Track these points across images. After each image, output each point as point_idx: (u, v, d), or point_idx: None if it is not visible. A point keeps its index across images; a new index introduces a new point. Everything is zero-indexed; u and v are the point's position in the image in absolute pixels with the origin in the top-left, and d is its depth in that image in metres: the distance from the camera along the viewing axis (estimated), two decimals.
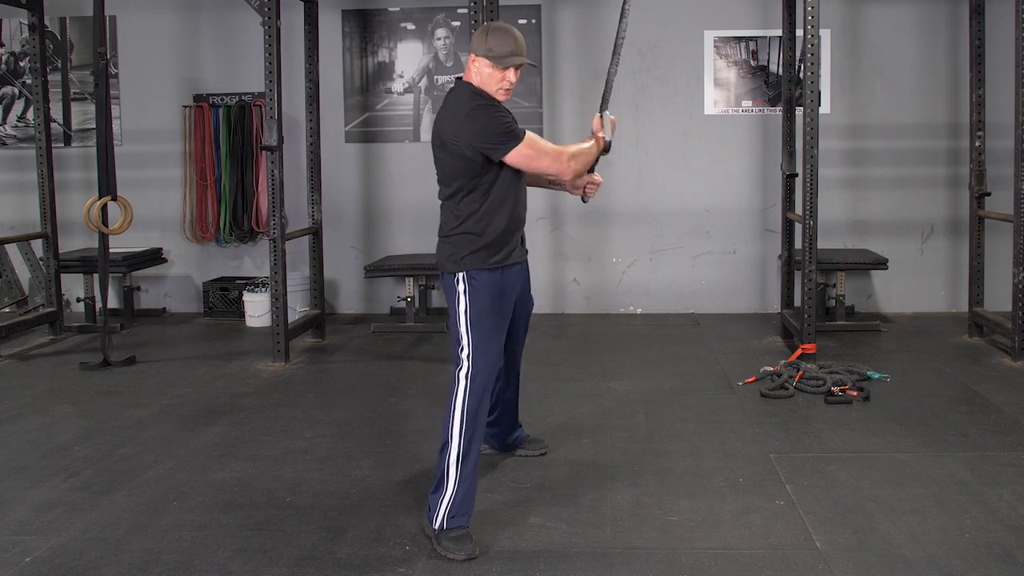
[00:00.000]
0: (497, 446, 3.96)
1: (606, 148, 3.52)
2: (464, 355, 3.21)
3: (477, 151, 3.19)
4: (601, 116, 3.54)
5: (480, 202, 3.25)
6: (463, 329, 3.23)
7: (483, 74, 3.26)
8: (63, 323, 6.69)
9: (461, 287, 3.26)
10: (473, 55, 3.27)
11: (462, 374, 3.19)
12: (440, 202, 3.37)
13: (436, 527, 3.12)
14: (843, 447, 4.07)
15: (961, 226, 6.86)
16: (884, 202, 7.10)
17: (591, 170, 3.57)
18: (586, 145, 3.45)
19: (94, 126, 6.15)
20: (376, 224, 7.44)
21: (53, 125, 6.89)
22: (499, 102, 3.29)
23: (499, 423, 3.88)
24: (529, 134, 3.25)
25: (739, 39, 7.11)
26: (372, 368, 5.71)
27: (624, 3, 3.66)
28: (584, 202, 3.78)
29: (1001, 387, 4.97)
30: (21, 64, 7.56)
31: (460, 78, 3.36)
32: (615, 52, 3.62)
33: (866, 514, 3.34)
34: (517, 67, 3.28)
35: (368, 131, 7.40)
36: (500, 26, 3.29)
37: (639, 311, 7.30)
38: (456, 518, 3.11)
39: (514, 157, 3.20)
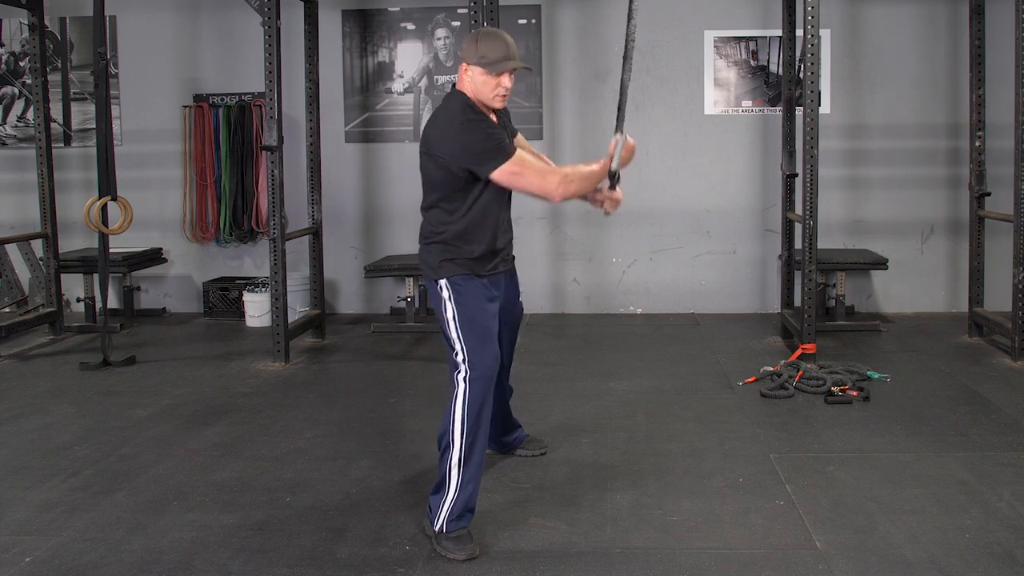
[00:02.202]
0: (495, 446, 3.96)
1: (612, 177, 3.28)
2: (460, 359, 3.19)
3: (462, 167, 3.15)
4: (616, 138, 3.34)
5: (459, 221, 3.23)
6: (454, 334, 3.21)
7: (477, 82, 3.20)
8: (63, 323, 6.69)
9: (446, 293, 3.25)
10: (465, 64, 3.22)
11: (460, 377, 3.17)
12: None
13: (436, 529, 3.12)
14: (843, 447, 4.07)
15: (961, 226, 6.86)
16: (884, 202, 7.10)
17: (612, 185, 3.30)
18: (587, 169, 3.25)
19: (94, 126, 6.15)
20: (376, 224, 7.44)
21: (53, 125, 6.89)
22: (488, 118, 3.23)
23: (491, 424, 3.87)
24: (518, 156, 3.16)
25: (739, 39, 7.11)
26: (372, 368, 5.71)
27: (631, 4, 3.58)
28: (606, 215, 3.57)
29: (1001, 387, 4.97)
30: (21, 64, 7.56)
31: (455, 85, 3.32)
32: (626, 57, 3.43)
33: (866, 514, 3.34)
34: (511, 72, 3.22)
35: (368, 131, 7.40)
36: (489, 31, 3.26)
37: (639, 311, 7.30)
38: (456, 521, 3.11)
39: (499, 175, 3.12)
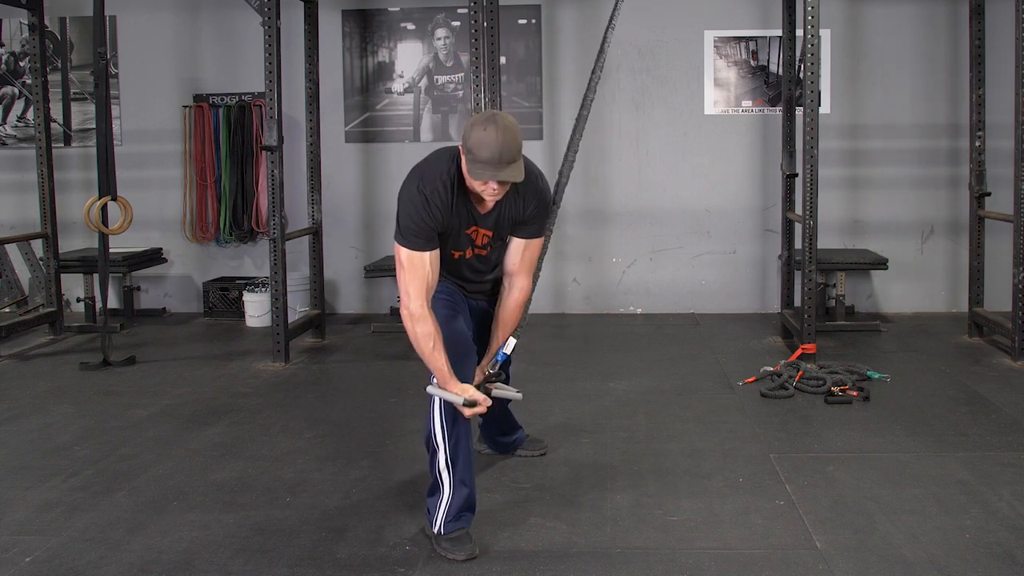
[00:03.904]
0: (496, 448, 3.96)
1: (429, 383, 3.11)
2: None
3: None
4: (497, 360, 3.22)
5: None
6: None
7: (465, 169, 3.00)
8: (63, 323, 6.69)
9: None
10: (460, 144, 3.01)
11: (435, 380, 3.13)
12: None
13: (435, 531, 3.12)
14: (843, 447, 4.07)
15: (961, 226, 6.86)
16: (884, 202, 7.10)
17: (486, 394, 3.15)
18: (439, 361, 3.04)
19: (94, 126, 6.15)
20: (376, 224, 7.43)
21: (53, 125, 6.89)
22: (441, 203, 3.02)
23: (487, 428, 3.86)
24: (416, 256, 3.00)
25: (739, 39, 7.11)
26: (372, 368, 5.71)
27: (603, 42, 3.43)
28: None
29: (1001, 387, 4.97)
30: (21, 64, 7.56)
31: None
32: (585, 103, 3.40)
33: (866, 514, 3.34)
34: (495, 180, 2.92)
35: (368, 131, 7.40)
36: (488, 122, 2.90)
37: (639, 311, 7.30)
38: (455, 522, 3.10)
39: (395, 253, 3.08)
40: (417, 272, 3.03)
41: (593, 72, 3.39)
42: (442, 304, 3.23)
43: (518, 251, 3.28)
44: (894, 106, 7.05)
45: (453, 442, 3.12)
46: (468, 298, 3.42)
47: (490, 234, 3.22)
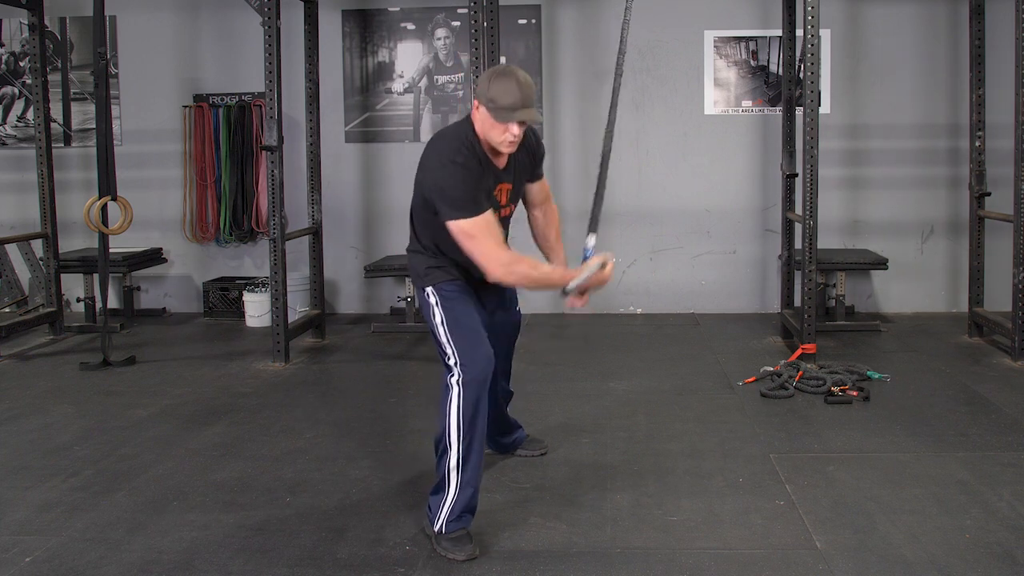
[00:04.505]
0: (495, 447, 3.96)
1: (564, 292, 3.21)
2: (452, 363, 3.17)
3: (431, 201, 3.13)
4: (593, 258, 3.27)
5: (444, 239, 3.20)
6: (444, 339, 3.20)
7: (485, 124, 3.10)
8: (63, 323, 6.69)
9: (433, 299, 3.25)
10: (476, 101, 3.11)
11: (453, 380, 3.14)
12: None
13: (436, 530, 3.12)
14: (843, 447, 4.07)
15: (961, 226, 6.86)
16: (884, 202, 7.10)
17: (565, 293, 3.23)
18: (542, 273, 3.20)
19: (94, 126, 6.15)
20: (376, 224, 7.44)
21: (53, 125, 6.89)
22: (480, 163, 3.12)
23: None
24: (481, 220, 3.06)
25: (739, 39, 7.12)
26: (372, 368, 5.71)
27: (621, 44, 3.65)
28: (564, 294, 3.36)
29: (1001, 387, 4.97)
30: (21, 64, 7.56)
31: (467, 116, 3.22)
32: (613, 101, 3.59)
33: (866, 514, 3.34)
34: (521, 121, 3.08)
35: (368, 131, 7.40)
36: (506, 72, 3.08)
37: (639, 311, 7.31)
38: (456, 522, 3.10)
39: (452, 228, 3.06)
40: (490, 232, 3.10)
41: (619, 52, 3.68)
42: (461, 301, 3.25)
43: (535, 190, 3.58)
44: (894, 106, 7.05)
45: (467, 443, 3.12)
46: (482, 302, 3.42)
47: (510, 187, 3.34)
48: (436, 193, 3.09)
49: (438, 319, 3.23)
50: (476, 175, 3.11)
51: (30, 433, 4.44)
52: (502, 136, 3.09)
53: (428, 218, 3.23)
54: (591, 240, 3.42)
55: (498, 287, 3.40)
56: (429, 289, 3.27)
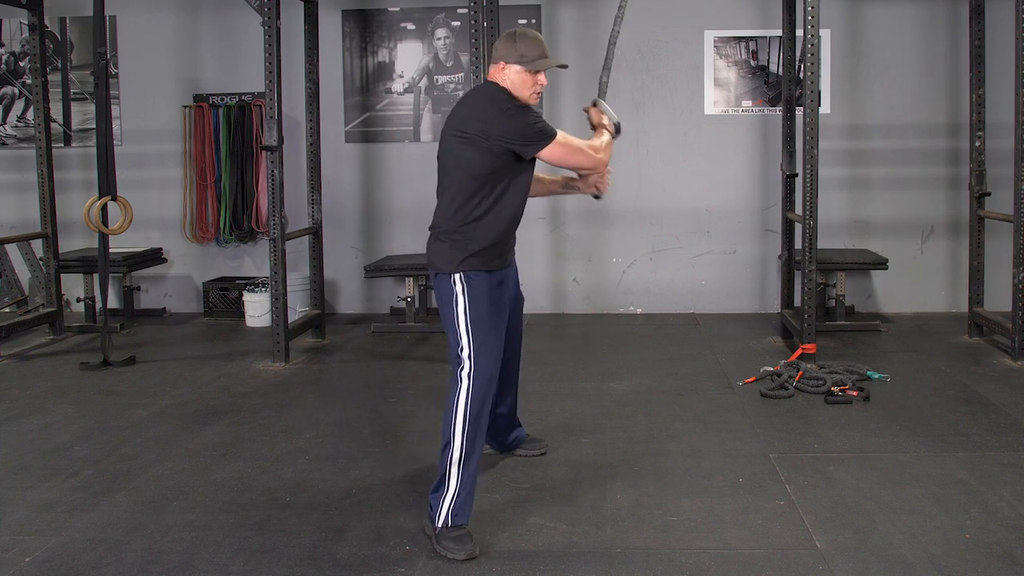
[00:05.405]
0: (496, 446, 3.96)
1: (618, 130, 3.60)
2: (465, 355, 3.18)
3: (506, 148, 3.17)
4: (595, 105, 3.66)
5: (487, 207, 3.22)
6: (463, 330, 3.19)
7: (515, 80, 3.29)
8: (63, 323, 6.69)
9: (459, 287, 3.22)
10: (503, 63, 3.29)
11: (464, 374, 3.17)
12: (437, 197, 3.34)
13: (438, 525, 3.12)
14: (843, 447, 4.07)
15: (961, 226, 6.86)
16: (884, 202, 7.10)
17: (618, 133, 3.64)
18: (600, 140, 3.51)
19: (94, 126, 6.15)
20: (376, 224, 7.44)
21: (53, 125, 6.89)
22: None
23: (494, 426, 3.86)
24: (562, 133, 3.31)
25: (739, 39, 7.11)
26: (372, 368, 5.71)
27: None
28: (597, 199, 3.81)
29: (1001, 387, 4.97)
30: (21, 64, 7.56)
31: (487, 80, 3.38)
32: (616, 20, 3.78)
33: (866, 514, 3.34)
34: (545, 70, 3.32)
35: (368, 131, 7.40)
36: (526, 32, 3.33)
37: (639, 311, 7.30)
38: (458, 516, 3.12)
39: (549, 153, 3.27)
40: (573, 137, 3.37)
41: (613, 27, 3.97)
42: (488, 297, 3.27)
43: None
44: (894, 106, 7.05)
45: (471, 439, 3.14)
46: (507, 275, 3.44)
47: None
48: (516, 137, 3.19)
49: (461, 308, 3.21)
50: (535, 111, 3.34)
51: (30, 433, 4.44)
52: (532, 88, 3.31)
53: (477, 187, 3.21)
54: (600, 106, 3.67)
55: (514, 271, 3.55)
56: (457, 276, 3.22)
